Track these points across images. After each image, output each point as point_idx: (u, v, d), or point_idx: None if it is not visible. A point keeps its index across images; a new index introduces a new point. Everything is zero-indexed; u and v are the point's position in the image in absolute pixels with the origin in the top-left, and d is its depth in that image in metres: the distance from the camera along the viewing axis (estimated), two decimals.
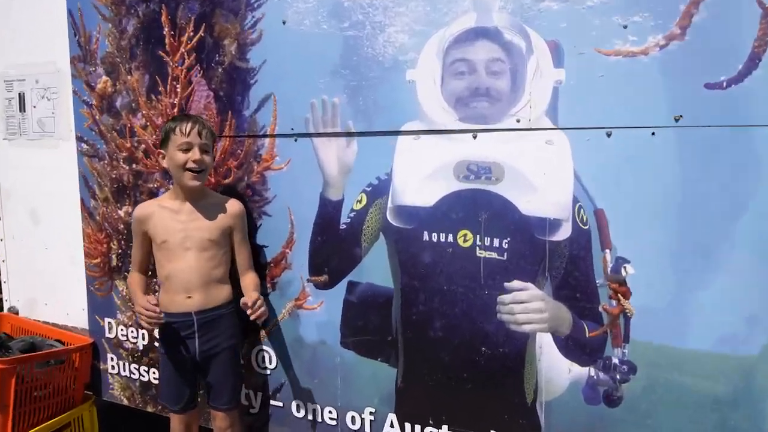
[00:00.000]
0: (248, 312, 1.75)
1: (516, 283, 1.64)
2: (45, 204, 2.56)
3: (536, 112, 1.58)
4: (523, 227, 1.61)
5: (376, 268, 1.83)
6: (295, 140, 1.91)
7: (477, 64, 1.62)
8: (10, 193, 2.65)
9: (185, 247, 1.87)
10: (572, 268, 1.58)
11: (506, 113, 1.61)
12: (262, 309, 1.78)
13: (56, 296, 2.59)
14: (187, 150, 1.82)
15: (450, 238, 1.70)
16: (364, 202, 1.83)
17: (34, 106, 2.50)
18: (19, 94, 2.54)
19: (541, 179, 1.59)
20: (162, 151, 1.89)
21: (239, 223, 1.94)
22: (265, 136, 1.96)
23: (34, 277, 2.64)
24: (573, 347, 1.61)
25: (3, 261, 2.70)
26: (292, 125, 1.91)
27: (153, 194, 2.19)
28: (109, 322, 2.40)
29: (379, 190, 1.80)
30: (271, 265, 2.00)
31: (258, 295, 1.81)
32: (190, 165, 1.82)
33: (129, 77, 2.21)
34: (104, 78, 2.27)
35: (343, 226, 1.87)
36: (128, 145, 2.26)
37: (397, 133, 1.75)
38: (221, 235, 1.90)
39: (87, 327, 2.48)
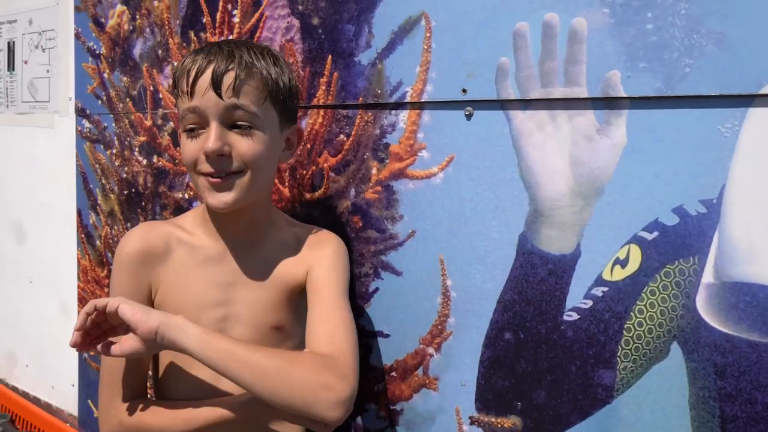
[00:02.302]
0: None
1: None
2: (34, 215, 1.66)
3: None
4: None
5: (646, 421, 0.76)
6: (468, 115, 0.88)
7: None
8: None
9: None
10: None
11: None
12: None
13: (40, 358, 1.68)
14: (193, 129, 0.81)
15: None
16: (633, 265, 0.77)
17: (25, 62, 1.61)
18: (8, 42, 1.67)
19: None
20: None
21: (328, 272, 0.88)
22: (401, 106, 0.94)
23: (14, 322, 1.75)
24: None
25: None
26: (462, 84, 0.88)
27: (181, 210, 1.22)
28: None
29: (677, 240, 0.74)
30: (393, 375, 0.97)
31: None
32: (202, 166, 0.80)
33: (156, 2, 1.26)
34: (119, 7, 1.34)
35: (571, 316, 0.81)
36: (148, 122, 1.31)
37: (751, 101, 0.68)
38: (295, 315, 0.90)
39: (76, 414, 1.56)
